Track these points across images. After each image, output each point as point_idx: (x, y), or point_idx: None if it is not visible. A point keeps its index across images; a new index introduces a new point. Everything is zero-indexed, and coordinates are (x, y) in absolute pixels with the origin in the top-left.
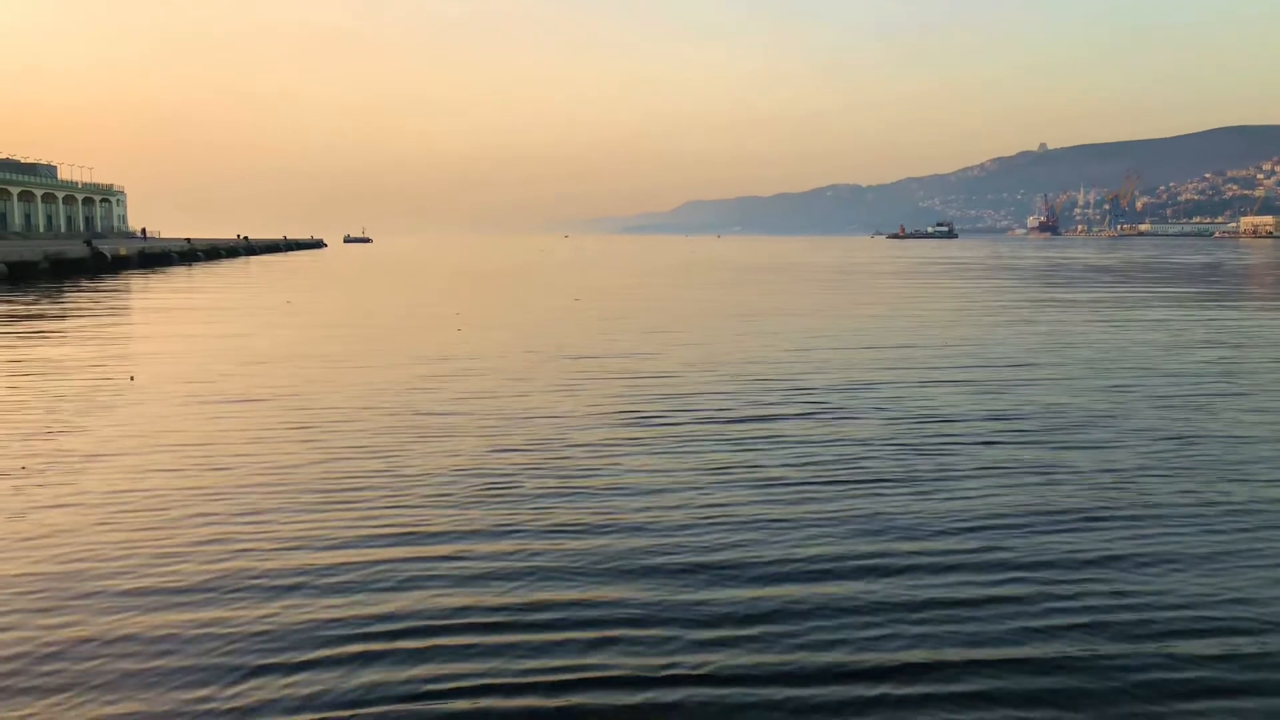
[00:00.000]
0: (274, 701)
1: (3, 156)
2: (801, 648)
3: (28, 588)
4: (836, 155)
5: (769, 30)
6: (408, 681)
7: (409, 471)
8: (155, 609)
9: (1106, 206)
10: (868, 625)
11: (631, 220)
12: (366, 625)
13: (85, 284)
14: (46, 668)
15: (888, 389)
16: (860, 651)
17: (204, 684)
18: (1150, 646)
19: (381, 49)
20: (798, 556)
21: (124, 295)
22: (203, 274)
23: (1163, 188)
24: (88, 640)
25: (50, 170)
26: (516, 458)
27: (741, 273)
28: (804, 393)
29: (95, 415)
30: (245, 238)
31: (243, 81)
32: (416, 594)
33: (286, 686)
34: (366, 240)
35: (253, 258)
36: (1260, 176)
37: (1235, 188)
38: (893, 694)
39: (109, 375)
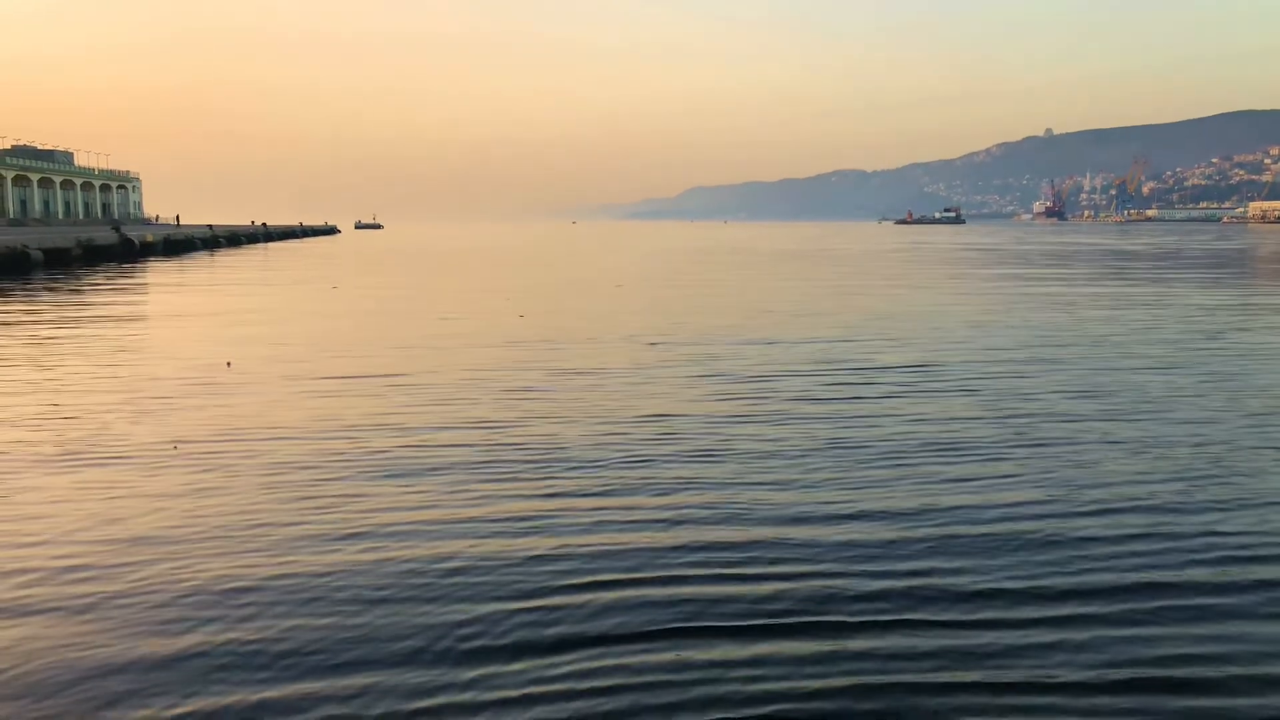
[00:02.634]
0: (457, 642)
1: (20, 143)
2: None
3: (221, 544)
4: (841, 140)
5: (773, 15)
6: (576, 620)
7: (534, 442)
8: (332, 557)
9: (1113, 192)
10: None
11: (635, 206)
12: (529, 574)
13: (121, 270)
14: (250, 599)
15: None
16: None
17: (375, 613)
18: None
19: (383, 40)
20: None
21: (165, 282)
22: (230, 260)
23: (1169, 173)
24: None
25: (67, 157)
26: (633, 429)
27: (772, 260)
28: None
29: (212, 398)
30: (264, 224)
31: (246, 70)
32: (571, 548)
33: (463, 627)
34: (377, 226)
35: (271, 244)
36: (1268, 161)
37: (1242, 173)
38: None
39: (201, 361)
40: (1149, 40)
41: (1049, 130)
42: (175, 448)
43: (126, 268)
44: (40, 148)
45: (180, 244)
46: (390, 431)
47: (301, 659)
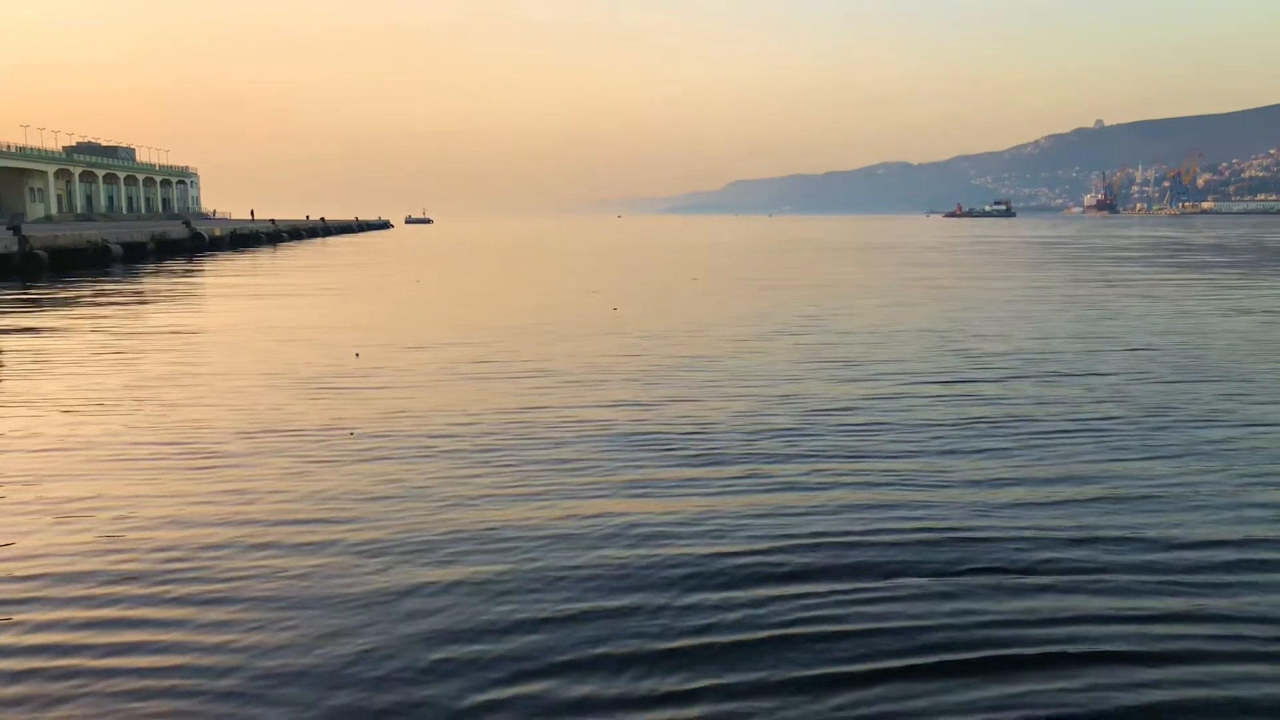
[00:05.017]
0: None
1: (85, 140)
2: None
3: (405, 524)
4: (886, 132)
5: (815, 5)
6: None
7: (677, 423)
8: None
9: (1166, 184)
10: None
11: (679, 200)
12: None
13: (194, 263)
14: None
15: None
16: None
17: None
18: None
19: (423, 32)
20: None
21: (244, 279)
22: (295, 254)
23: (1225, 164)
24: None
25: (129, 153)
26: (766, 408)
27: (843, 253)
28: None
29: (360, 384)
30: (323, 219)
31: (290, 69)
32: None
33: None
34: (427, 221)
35: (329, 238)
36: None
37: None
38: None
39: (327, 350)
40: (1204, 28)
41: (1099, 121)
42: (351, 434)
43: (198, 260)
44: (104, 144)
45: (246, 238)
46: (538, 411)
47: (506, 616)
